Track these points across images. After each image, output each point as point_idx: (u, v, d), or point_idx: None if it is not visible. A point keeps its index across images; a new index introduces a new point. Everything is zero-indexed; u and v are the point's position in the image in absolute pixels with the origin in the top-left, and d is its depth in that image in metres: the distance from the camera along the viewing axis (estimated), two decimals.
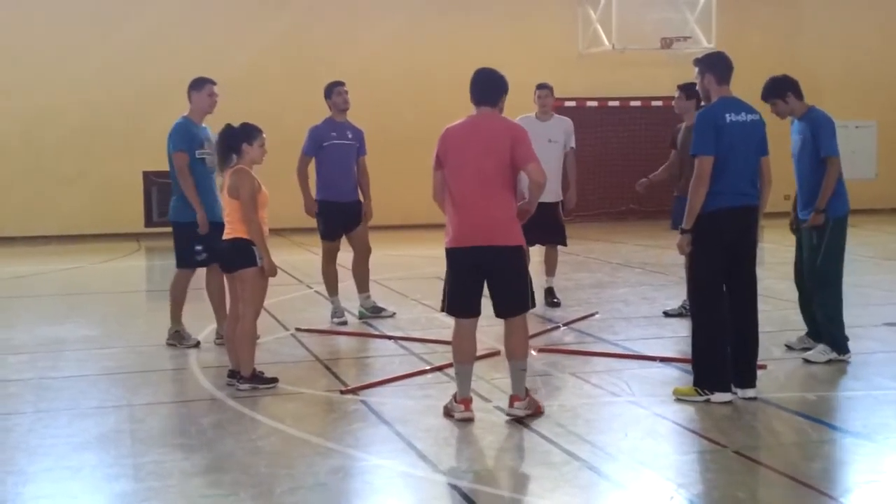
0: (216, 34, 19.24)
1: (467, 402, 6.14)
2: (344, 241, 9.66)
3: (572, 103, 20.52)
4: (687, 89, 8.91)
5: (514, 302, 6.08)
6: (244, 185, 6.83)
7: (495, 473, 5.32)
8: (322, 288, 9.94)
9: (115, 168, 18.84)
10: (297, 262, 13.58)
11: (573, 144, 10.24)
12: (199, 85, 8.51)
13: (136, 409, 6.57)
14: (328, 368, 7.68)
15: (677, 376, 7.09)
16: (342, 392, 6.84)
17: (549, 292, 10.18)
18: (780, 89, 7.45)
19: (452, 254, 6.10)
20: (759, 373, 6.76)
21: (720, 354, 6.39)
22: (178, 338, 8.49)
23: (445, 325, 9.06)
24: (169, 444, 5.80)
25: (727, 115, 6.41)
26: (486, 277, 6.07)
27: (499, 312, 6.13)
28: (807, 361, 7.51)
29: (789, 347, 7.81)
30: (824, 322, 7.56)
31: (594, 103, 20.86)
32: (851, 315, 8.60)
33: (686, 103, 9.08)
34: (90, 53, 18.76)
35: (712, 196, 6.34)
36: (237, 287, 6.98)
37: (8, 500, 5.00)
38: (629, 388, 6.84)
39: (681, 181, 8.91)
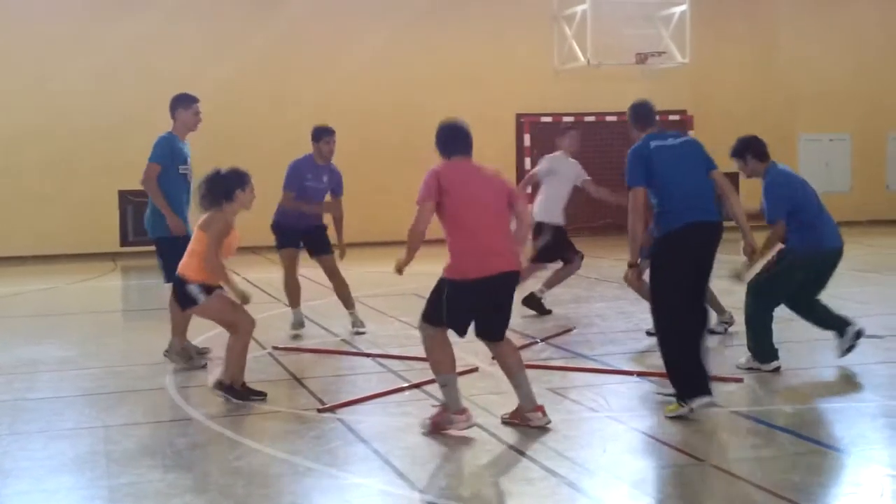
0: (195, 53, 19.19)
1: (466, 410, 6.16)
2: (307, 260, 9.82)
3: (548, 119, 20.61)
4: None
5: (506, 323, 6.32)
6: (216, 223, 6.85)
7: (474, 491, 5.30)
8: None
9: (90, 187, 18.75)
10: (273, 279, 13.51)
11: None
12: (187, 103, 8.54)
13: (112, 430, 6.51)
14: (305, 387, 7.64)
15: (655, 391, 7.10)
16: (319, 410, 6.81)
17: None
18: (741, 150, 7.74)
19: (477, 284, 6.06)
20: (736, 386, 6.79)
21: (693, 361, 6.40)
22: (185, 356, 8.35)
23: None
24: (145, 466, 5.75)
25: (652, 143, 6.64)
26: (495, 302, 6.17)
27: (494, 335, 6.26)
28: (738, 367, 7.64)
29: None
30: (746, 327, 7.67)
31: (570, 118, 20.93)
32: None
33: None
34: (67, 74, 18.66)
35: (665, 217, 6.51)
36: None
37: None
38: (607, 404, 6.84)
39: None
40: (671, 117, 21.49)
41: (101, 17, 18.93)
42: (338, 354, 8.90)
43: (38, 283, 15.11)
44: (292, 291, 9.81)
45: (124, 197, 18.93)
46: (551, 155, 10.81)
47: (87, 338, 10.15)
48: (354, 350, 9.01)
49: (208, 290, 6.97)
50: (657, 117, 6.89)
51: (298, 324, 9.82)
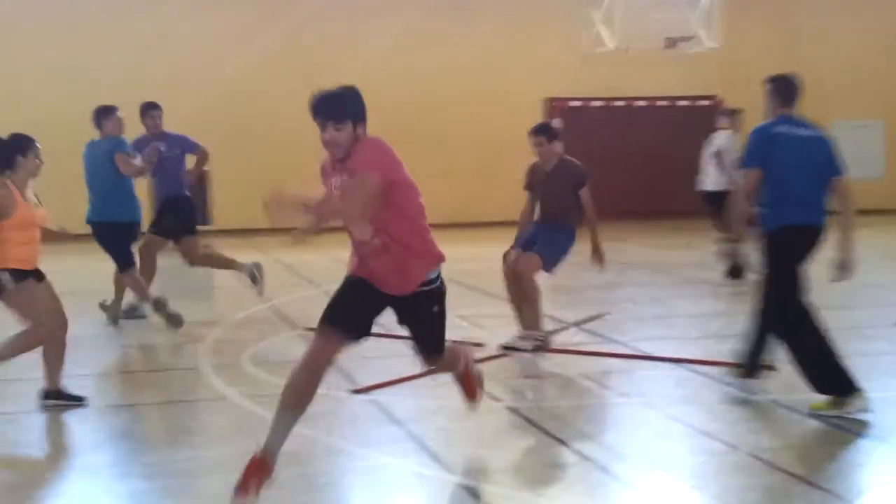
0: (217, 40, 19.23)
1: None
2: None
3: (577, 103, 20.54)
4: (545, 132, 8.28)
5: None
6: (4, 199, 6.39)
7: (506, 473, 5.31)
8: (331, 287, 10.03)
9: None
10: (308, 261, 13.55)
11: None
12: (109, 112, 9.56)
13: (147, 408, 6.58)
14: (339, 368, 7.65)
15: (688, 377, 7.08)
16: (354, 392, 6.83)
17: None
18: None
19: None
20: (771, 374, 6.75)
21: (833, 358, 6.13)
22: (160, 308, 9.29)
23: (456, 325, 9.07)
24: (180, 443, 5.80)
25: (783, 128, 6.21)
26: None
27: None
28: None
29: None
30: None
31: (599, 103, 20.85)
32: (862, 316, 8.62)
33: (549, 147, 8.20)
34: (96, 60, 18.75)
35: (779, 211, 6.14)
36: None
37: (22, 499, 5.01)
38: (639, 389, 6.82)
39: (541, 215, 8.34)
40: (700, 102, 21.37)
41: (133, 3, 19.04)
42: (371, 336, 8.89)
43: (78, 262, 15.19)
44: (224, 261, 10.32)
45: None
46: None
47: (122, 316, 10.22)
48: (388, 332, 9.00)
49: (21, 276, 6.49)
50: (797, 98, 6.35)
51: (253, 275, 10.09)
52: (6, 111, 18.44)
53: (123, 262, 9.48)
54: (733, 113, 12.36)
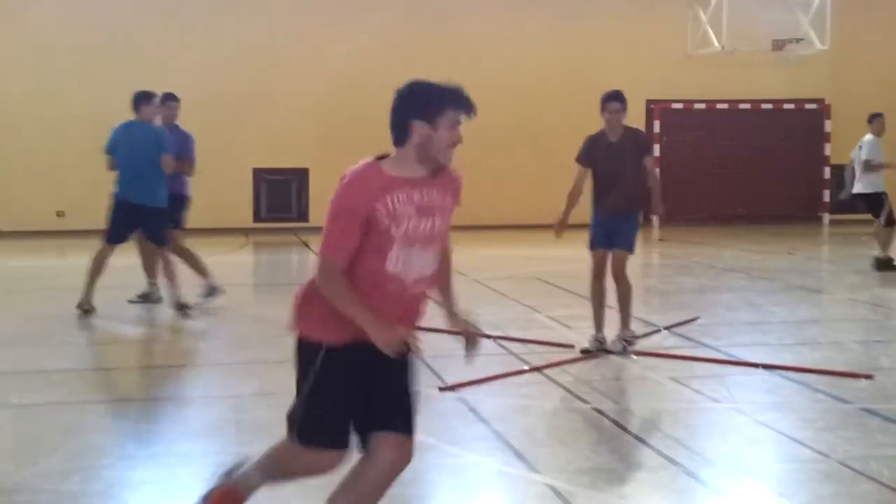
0: (316, 32, 19.49)
1: None
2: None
3: (679, 105, 20.26)
4: (622, 98, 8.11)
5: None
6: None
7: (591, 475, 5.30)
8: None
9: (224, 165, 19.24)
10: None
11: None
12: (150, 99, 10.00)
13: (241, 400, 6.74)
14: (427, 365, 7.73)
15: (781, 384, 6.96)
16: (441, 389, 6.90)
17: None
18: None
19: None
20: (866, 383, 6.60)
21: None
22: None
23: (545, 326, 9.11)
24: (274, 435, 5.88)
25: None
26: None
27: None
28: None
29: None
30: None
31: (702, 105, 20.54)
32: None
33: (623, 115, 8.07)
34: (195, 56, 19.10)
35: None
36: None
37: (118, 483, 5.20)
38: (730, 395, 6.74)
39: (607, 198, 8.03)
40: (808, 106, 20.90)
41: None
42: (460, 334, 8.96)
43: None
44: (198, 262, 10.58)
45: (258, 174, 19.44)
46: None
47: (219, 310, 10.47)
48: (476, 331, 9.05)
49: None
50: None
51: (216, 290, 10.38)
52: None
53: (162, 239, 9.98)
54: (875, 117, 12.34)
